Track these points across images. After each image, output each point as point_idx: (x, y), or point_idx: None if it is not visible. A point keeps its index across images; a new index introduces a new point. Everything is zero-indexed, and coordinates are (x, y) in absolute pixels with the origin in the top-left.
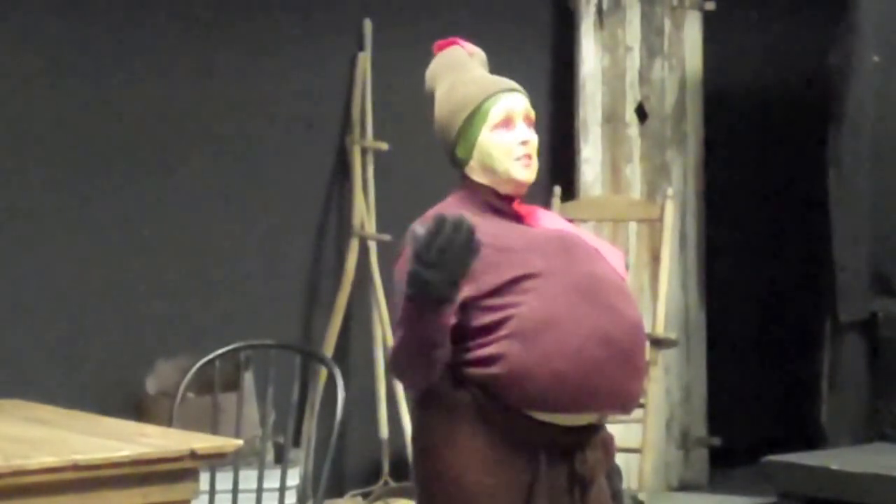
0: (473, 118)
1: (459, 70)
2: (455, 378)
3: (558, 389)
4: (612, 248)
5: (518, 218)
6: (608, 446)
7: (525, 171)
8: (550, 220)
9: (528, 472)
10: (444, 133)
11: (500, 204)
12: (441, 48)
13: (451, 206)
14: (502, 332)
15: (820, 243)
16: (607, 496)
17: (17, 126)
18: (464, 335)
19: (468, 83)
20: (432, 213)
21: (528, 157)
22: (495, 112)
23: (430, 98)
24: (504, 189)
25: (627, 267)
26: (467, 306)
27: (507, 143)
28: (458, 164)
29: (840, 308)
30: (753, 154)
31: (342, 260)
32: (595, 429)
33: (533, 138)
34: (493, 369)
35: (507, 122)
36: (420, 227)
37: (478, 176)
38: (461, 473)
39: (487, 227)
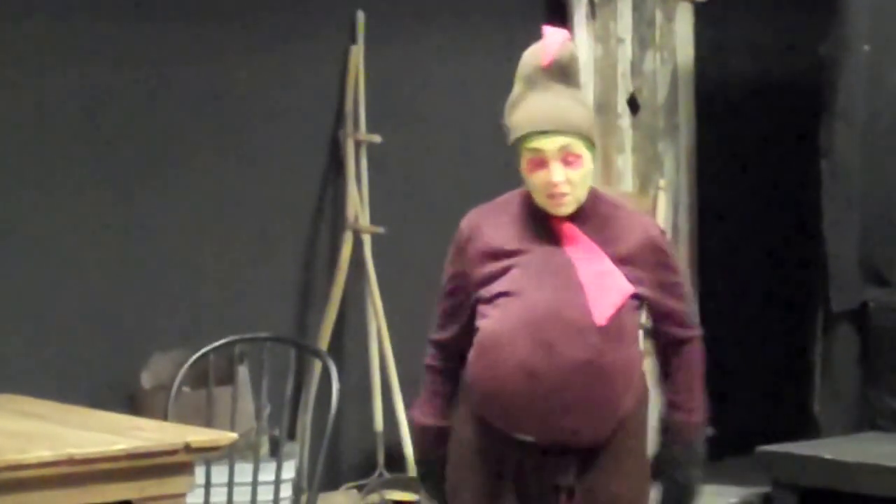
0: (517, 147)
1: (527, 86)
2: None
3: (487, 409)
4: (615, 285)
5: (557, 235)
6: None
7: (557, 208)
8: (572, 240)
9: (496, 471)
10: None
11: (541, 218)
12: (545, 34)
13: (508, 200)
14: (474, 338)
15: (812, 233)
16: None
17: (14, 122)
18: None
19: (521, 110)
20: (490, 202)
21: (561, 195)
22: (526, 151)
23: None
24: (542, 208)
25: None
26: (474, 303)
27: (539, 182)
28: None
29: (832, 298)
30: (745, 145)
31: (336, 253)
32: (565, 445)
33: (563, 178)
34: (464, 371)
35: (538, 163)
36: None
37: None
38: (454, 461)
39: (511, 235)
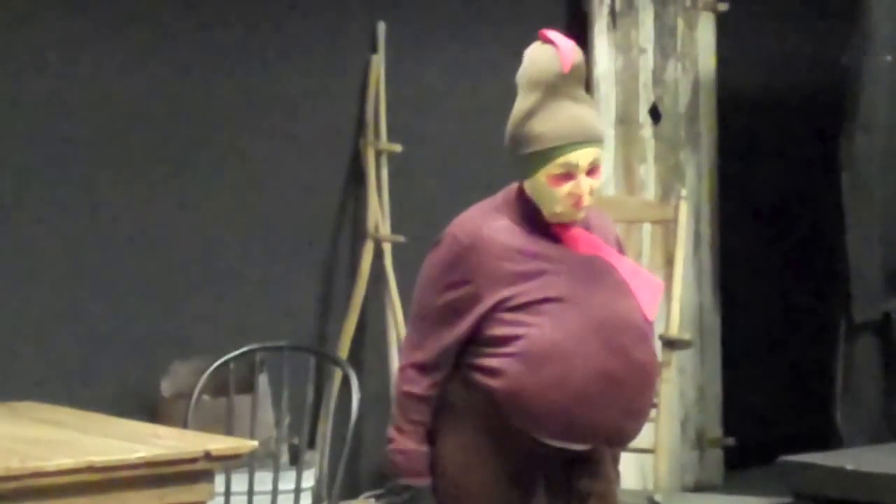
0: (537, 158)
1: (549, 94)
2: (464, 379)
3: (551, 420)
4: (650, 279)
5: (557, 238)
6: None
7: (575, 216)
8: (590, 243)
9: (525, 482)
10: (511, 142)
11: (541, 223)
12: (545, 39)
13: (497, 207)
14: (509, 348)
15: (834, 243)
16: (612, 499)
17: (29, 128)
18: (477, 340)
19: (548, 119)
20: (474, 210)
21: (577, 204)
22: (555, 165)
23: (517, 85)
24: (548, 218)
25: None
26: (486, 314)
27: (557, 194)
28: (518, 171)
29: (854, 308)
30: (766, 154)
31: (357, 262)
32: (594, 449)
33: (586, 190)
34: (493, 382)
35: (565, 176)
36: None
37: (529, 193)
38: (462, 471)
39: (522, 241)
